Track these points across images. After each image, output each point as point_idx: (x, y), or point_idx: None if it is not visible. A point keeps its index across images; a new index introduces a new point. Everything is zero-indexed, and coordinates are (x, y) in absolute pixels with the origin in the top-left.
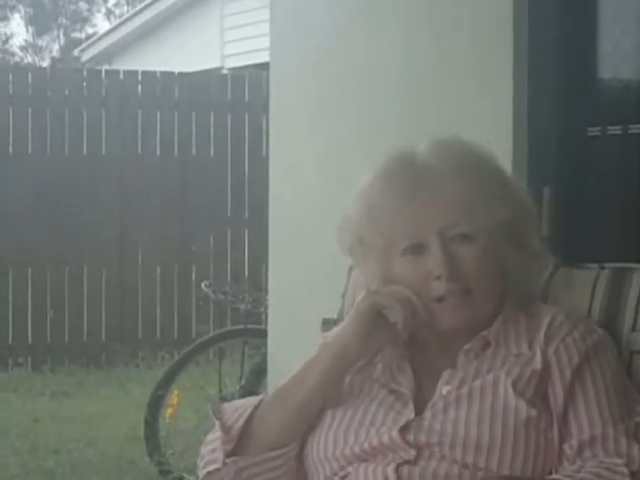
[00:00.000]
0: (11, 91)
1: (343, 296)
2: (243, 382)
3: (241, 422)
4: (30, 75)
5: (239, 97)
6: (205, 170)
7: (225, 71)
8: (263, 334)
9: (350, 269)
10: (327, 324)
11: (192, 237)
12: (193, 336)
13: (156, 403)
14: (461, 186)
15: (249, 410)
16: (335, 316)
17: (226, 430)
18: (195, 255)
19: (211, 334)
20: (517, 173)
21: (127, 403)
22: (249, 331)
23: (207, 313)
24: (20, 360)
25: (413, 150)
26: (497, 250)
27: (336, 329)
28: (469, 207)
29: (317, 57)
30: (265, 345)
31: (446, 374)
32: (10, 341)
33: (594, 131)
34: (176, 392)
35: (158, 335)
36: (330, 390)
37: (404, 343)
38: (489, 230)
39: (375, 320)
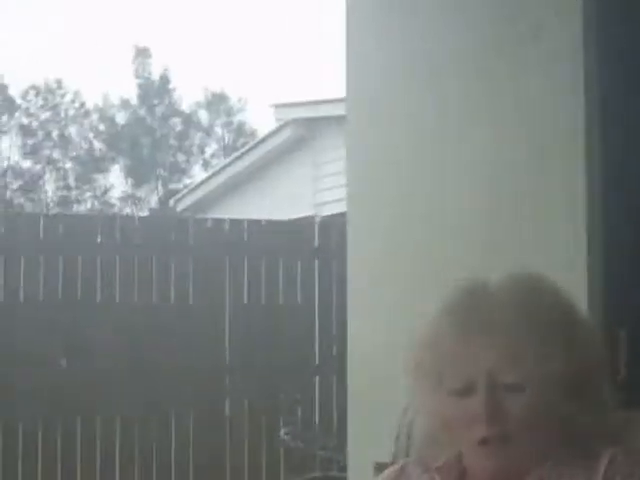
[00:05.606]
0: (99, 240)
1: (396, 439)
2: None
3: None
4: (119, 224)
5: (326, 244)
6: (292, 317)
7: (318, 219)
8: None
9: (404, 411)
10: (379, 469)
11: (279, 386)
12: None
13: None
14: (517, 328)
15: None
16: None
17: None
18: (283, 404)
19: None
20: (592, 313)
21: None
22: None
23: (294, 461)
24: None
25: (484, 282)
26: (549, 401)
27: None
28: (520, 352)
29: (392, 206)
30: None
31: None
32: None
33: None
34: None
35: None
36: None
37: None
38: (540, 380)
39: None
